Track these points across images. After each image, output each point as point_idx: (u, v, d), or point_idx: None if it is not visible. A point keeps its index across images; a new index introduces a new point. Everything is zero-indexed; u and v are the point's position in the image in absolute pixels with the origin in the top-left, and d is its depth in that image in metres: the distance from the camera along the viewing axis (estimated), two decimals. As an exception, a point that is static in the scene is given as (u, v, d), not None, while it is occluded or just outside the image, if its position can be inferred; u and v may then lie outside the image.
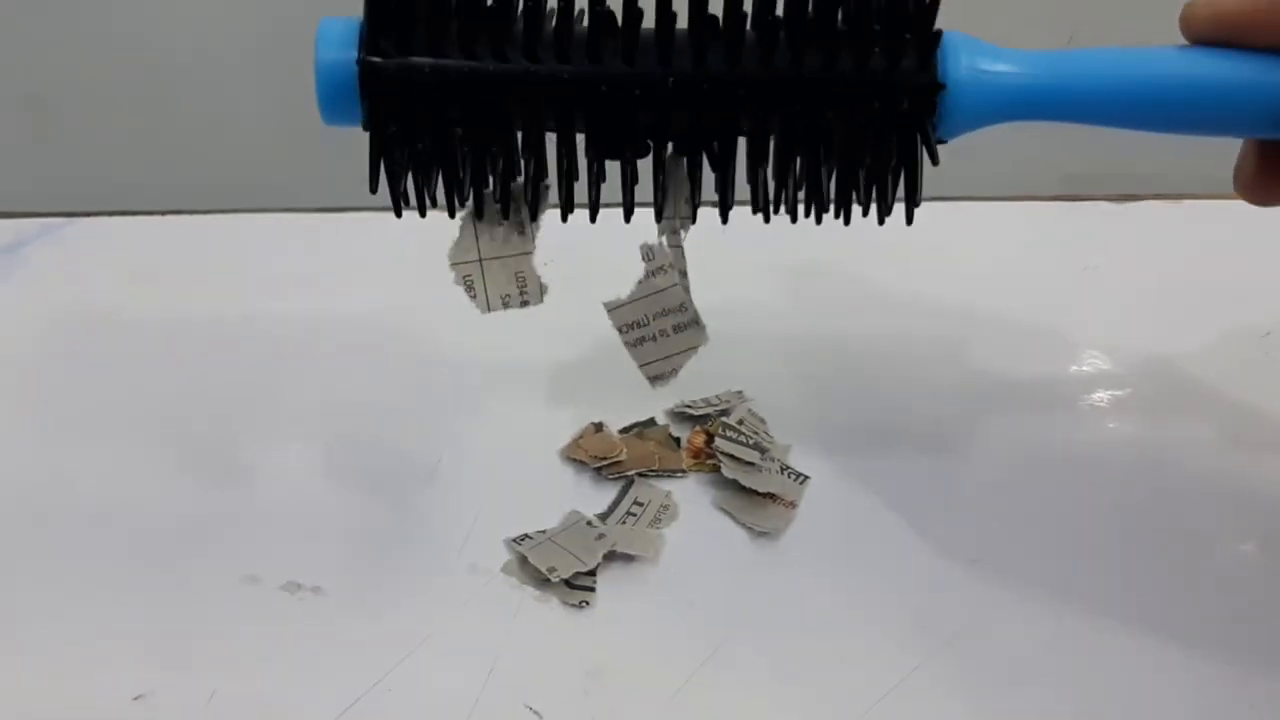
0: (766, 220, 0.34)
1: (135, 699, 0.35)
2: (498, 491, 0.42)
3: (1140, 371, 0.48)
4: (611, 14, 0.31)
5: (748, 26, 0.31)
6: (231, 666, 0.36)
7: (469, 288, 0.35)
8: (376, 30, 0.31)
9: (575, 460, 0.43)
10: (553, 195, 0.34)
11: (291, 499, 0.41)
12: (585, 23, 0.31)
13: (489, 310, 0.36)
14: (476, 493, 0.41)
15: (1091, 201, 0.59)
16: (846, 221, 0.34)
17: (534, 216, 0.35)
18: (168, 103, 0.69)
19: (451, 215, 0.34)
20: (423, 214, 0.34)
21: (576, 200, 0.33)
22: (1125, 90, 0.32)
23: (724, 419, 0.44)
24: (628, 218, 0.34)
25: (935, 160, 0.32)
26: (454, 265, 0.35)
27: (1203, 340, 0.50)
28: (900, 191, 0.33)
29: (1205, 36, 0.33)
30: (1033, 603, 0.38)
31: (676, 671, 0.36)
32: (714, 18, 0.31)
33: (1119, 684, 0.35)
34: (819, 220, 0.34)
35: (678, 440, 0.44)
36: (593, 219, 0.34)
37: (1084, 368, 0.48)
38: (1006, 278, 0.54)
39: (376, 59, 0.31)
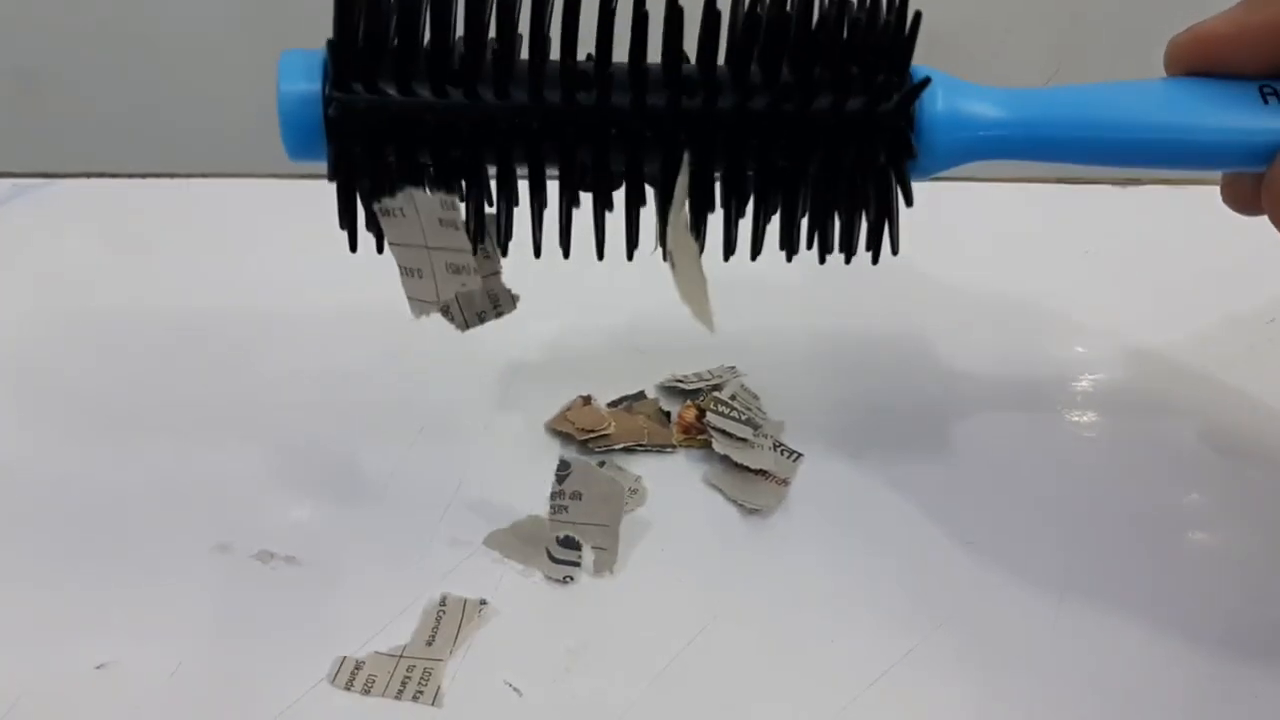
0: (725, 258, 0.34)
1: (98, 668, 0.33)
2: (480, 462, 0.40)
3: (1141, 356, 0.47)
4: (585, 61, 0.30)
5: (723, 63, 0.31)
6: (199, 637, 0.34)
7: (445, 314, 0.36)
8: (342, 66, 0.30)
9: (561, 433, 0.42)
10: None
11: (266, 466, 0.40)
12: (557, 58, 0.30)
13: (467, 329, 0.36)
14: (458, 463, 0.40)
15: (1094, 185, 0.58)
16: (822, 261, 0.34)
17: (503, 250, 0.34)
18: (153, 64, 0.68)
19: None
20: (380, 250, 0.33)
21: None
22: (1104, 131, 0.32)
23: (716, 394, 0.43)
24: (600, 255, 0.33)
25: (910, 202, 0.32)
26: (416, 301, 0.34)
27: (1205, 326, 0.49)
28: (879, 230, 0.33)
29: (1187, 65, 0.32)
30: (1028, 586, 0.37)
31: (662, 649, 0.34)
32: (686, 56, 0.30)
33: (1114, 666, 0.34)
34: (790, 258, 0.33)
35: (668, 415, 0.43)
36: (565, 255, 0.33)
37: (1084, 351, 0.47)
38: (1006, 260, 0.52)
39: (342, 95, 0.30)
